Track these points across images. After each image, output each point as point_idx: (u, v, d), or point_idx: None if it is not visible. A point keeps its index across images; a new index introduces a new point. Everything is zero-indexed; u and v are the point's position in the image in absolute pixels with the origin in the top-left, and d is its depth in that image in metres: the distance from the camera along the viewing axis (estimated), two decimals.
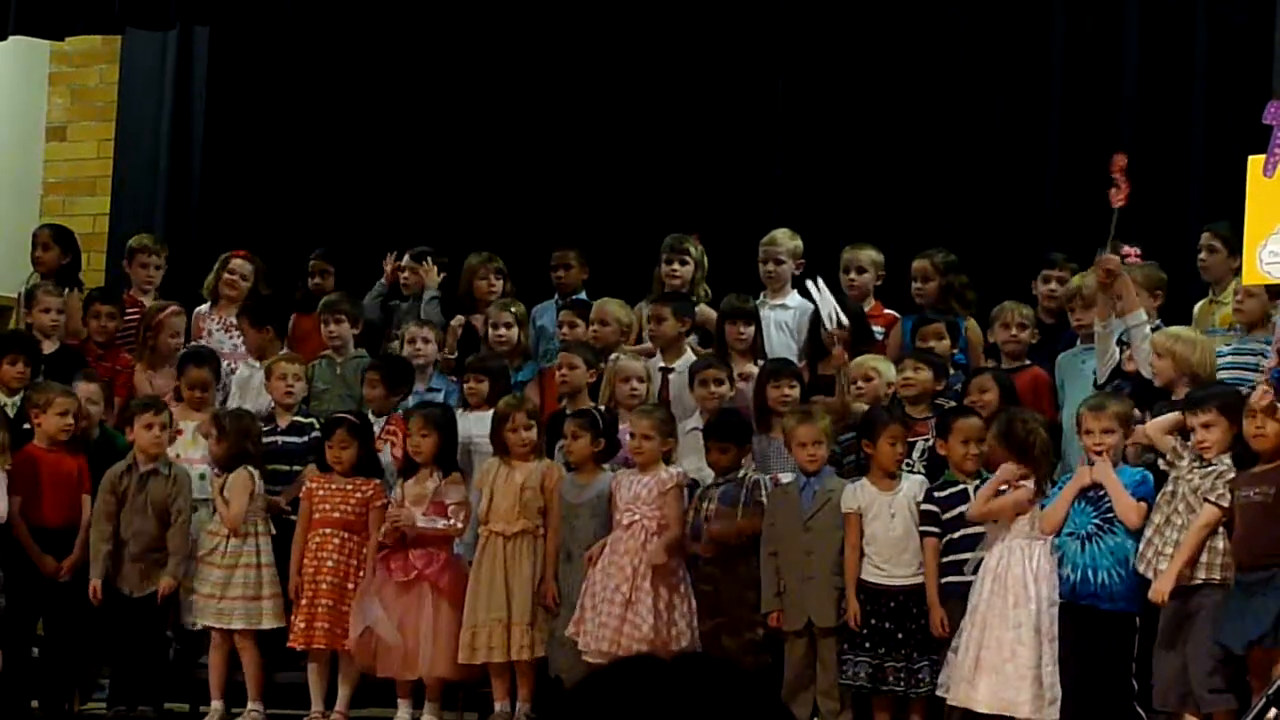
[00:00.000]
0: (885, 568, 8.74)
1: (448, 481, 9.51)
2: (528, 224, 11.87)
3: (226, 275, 11.07)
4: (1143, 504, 8.21)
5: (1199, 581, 7.98)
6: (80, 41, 12.82)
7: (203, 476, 9.93)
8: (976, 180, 11.24)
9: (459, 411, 9.91)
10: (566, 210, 11.92)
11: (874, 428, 8.93)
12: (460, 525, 9.45)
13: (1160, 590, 7.97)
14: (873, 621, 8.68)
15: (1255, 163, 6.82)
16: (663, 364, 10.04)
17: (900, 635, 8.64)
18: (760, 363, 9.80)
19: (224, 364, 10.64)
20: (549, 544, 9.35)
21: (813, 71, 11.78)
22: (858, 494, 8.84)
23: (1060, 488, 8.46)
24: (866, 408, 9.21)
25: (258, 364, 10.59)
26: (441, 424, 9.59)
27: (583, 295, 10.78)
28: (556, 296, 10.90)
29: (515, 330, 10.46)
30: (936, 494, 8.74)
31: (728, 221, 11.19)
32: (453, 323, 10.71)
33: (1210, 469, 8.06)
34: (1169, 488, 8.19)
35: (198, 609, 9.67)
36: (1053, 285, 9.98)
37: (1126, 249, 9.25)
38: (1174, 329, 8.92)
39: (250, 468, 9.69)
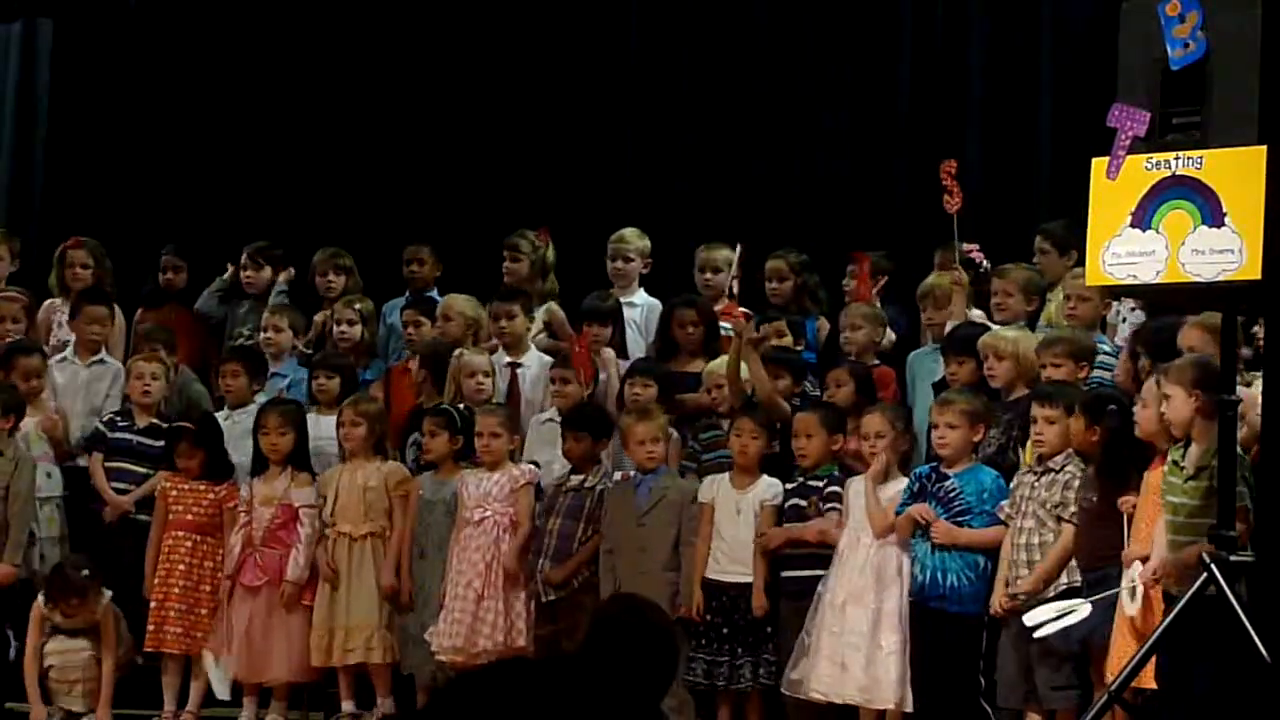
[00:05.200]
0: (730, 565, 8.79)
1: (295, 484, 9.46)
2: (382, 219, 11.82)
3: (68, 270, 10.93)
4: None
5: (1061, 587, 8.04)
6: None
7: (50, 475, 9.77)
8: (827, 180, 11.32)
9: (310, 412, 9.84)
10: (420, 206, 11.89)
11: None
12: (299, 571, 9.38)
13: (1003, 605, 8.08)
14: (718, 620, 8.71)
15: (1099, 165, 6.88)
16: (510, 360, 10.00)
17: (750, 636, 8.66)
18: (620, 361, 9.81)
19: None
20: (401, 546, 9.32)
21: (664, 69, 11.81)
22: (711, 487, 8.89)
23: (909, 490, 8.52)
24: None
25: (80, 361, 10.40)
26: (299, 422, 9.55)
27: (433, 293, 10.73)
28: (408, 293, 10.85)
29: (359, 327, 10.40)
30: (787, 485, 8.79)
31: (579, 218, 11.19)
32: (316, 318, 10.65)
33: (1053, 478, 8.12)
34: (1007, 501, 8.25)
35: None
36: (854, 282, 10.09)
37: (969, 246, 9.37)
38: (1005, 331, 8.93)
39: None
